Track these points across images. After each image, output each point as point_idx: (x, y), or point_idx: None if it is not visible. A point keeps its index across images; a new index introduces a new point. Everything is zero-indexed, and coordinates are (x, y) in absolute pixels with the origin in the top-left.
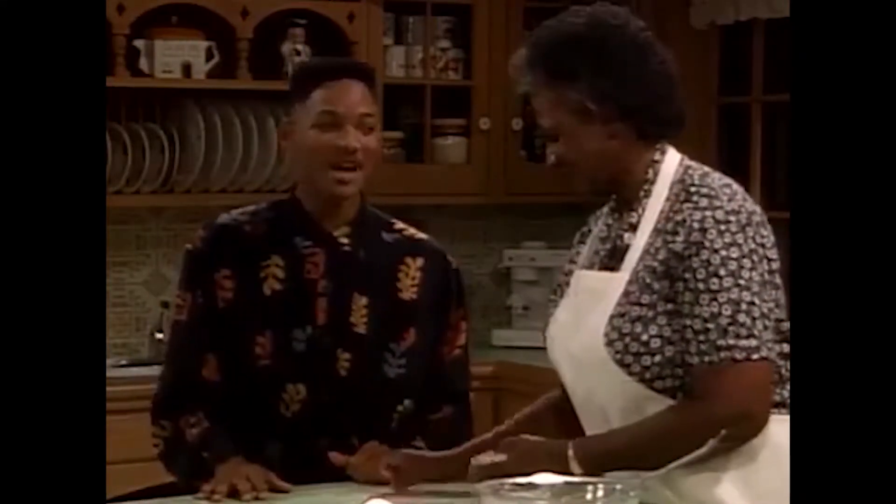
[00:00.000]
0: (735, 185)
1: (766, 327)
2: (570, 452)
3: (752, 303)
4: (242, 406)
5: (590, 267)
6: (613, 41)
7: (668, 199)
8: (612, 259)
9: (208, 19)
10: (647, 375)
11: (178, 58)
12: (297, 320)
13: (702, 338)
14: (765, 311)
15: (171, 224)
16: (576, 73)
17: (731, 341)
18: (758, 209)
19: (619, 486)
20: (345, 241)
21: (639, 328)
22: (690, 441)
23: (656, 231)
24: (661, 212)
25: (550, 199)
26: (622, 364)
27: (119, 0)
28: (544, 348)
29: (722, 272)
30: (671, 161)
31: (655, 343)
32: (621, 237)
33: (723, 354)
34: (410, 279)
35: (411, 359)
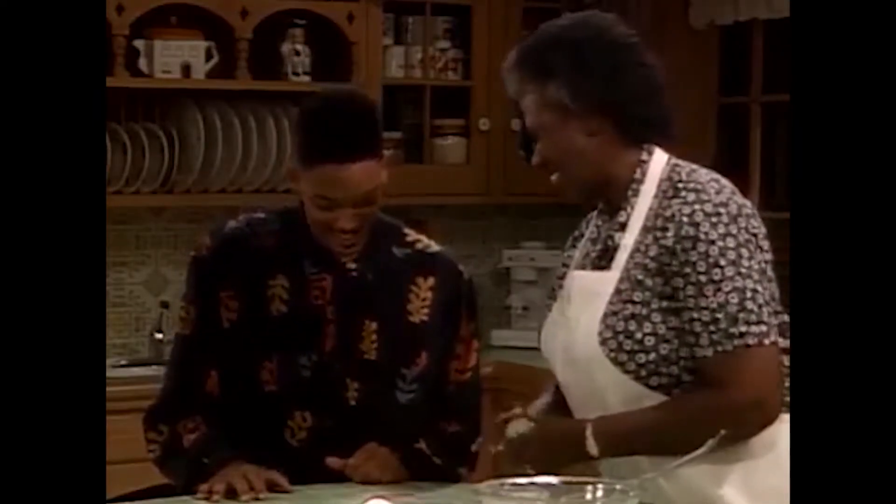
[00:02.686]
0: (723, 180)
1: (770, 313)
2: (589, 431)
3: (756, 290)
4: (246, 430)
5: (582, 268)
6: (591, 40)
7: (655, 196)
8: (602, 259)
9: (208, 19)
10: (643, 373)
11: (177, 58)
12: (303, 346)
13: (712, 328)
14: (767, 298)
15: (170, 224)
16: (553, 71)
17: (743, 328)
18: (748, 203)
19: (618, 486)
20: (353, 266)
21: (633, 326)
22: (709, 429)
23: (646, 229)
24: (650, 209)
25: (550, 199)
26: (617, 362)
27: (118, 0)
28: None
29: (722, 262)
30: (658, 160)
31: (650, 341)
32: (612, 237)
33: (736, 342)
34: (421, 301)
35: (423, 384)
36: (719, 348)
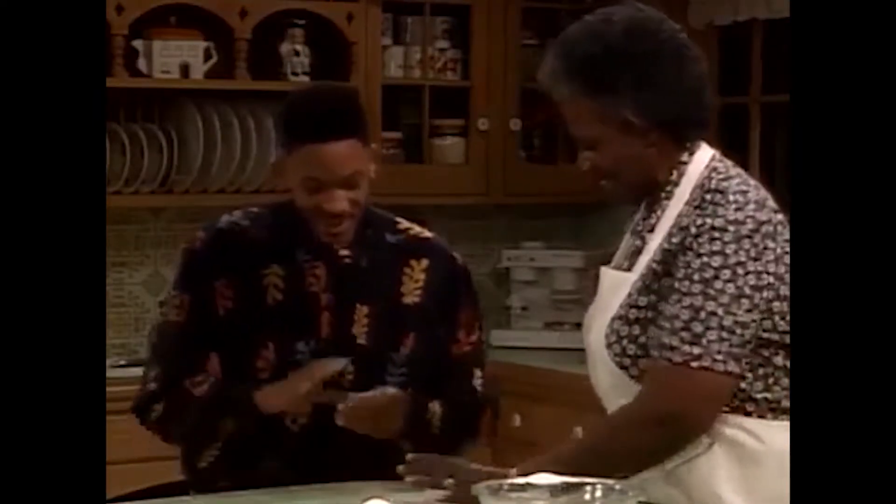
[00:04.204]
0: (751, 193)
1: (722, 339)
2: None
3: (714, 313)
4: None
5: (617, 265)
6: (653, 51)
7: (686, 202)
8: (631, 258)
9: (207, 19)
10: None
11: (176, 58)
12: (300, 333)
13: (655, 333)
14: (727, 324)
15: (169, 224)
16: (617, 86)
17: (676, 343)
18: (774, 218)
19: (617, 487)
20: (346, 252)
21: (636, 330)
22: (628, 435)
23: (668, 234)
24: (679, 215)
25: (549, 199)
26: (621, 366)
27: (118, 0)
28: (543, 349)
29: (695, 277)
30: (699, 162)
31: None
32: (643, 238)
33: (664, 353)
34: (414, 282)
35: (412, 366)
36: (653, 353)
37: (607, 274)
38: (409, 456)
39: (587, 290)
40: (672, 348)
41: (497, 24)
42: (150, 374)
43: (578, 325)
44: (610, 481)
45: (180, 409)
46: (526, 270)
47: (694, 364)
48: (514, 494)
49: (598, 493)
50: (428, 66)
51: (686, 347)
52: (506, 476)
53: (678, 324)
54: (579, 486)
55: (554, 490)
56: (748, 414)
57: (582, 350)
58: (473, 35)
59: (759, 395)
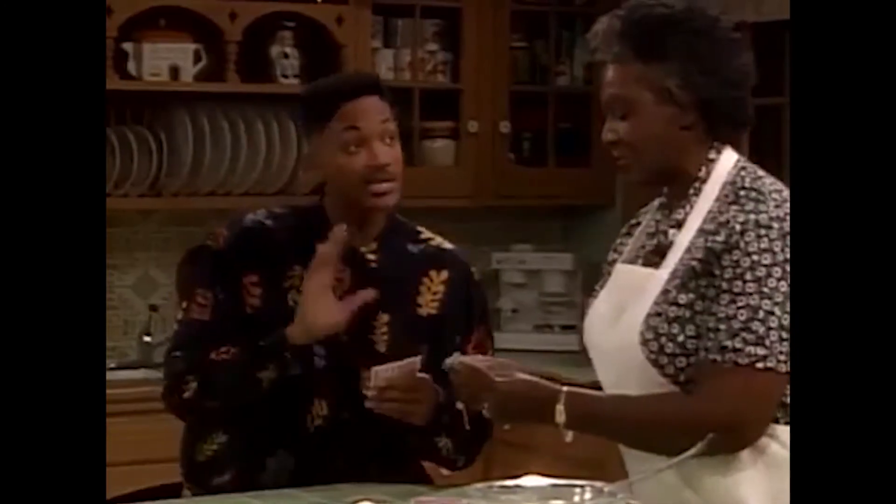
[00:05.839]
0: (785, 192)
1: (782, 339)
2: (560, 406)
3: (771, 312)
4: (265, 412)
5: (633, 261)
6: (708, 31)
7: (717, 199)
8: (654, 255)
9: (196, 22)
10: (682, 378)
11: (166, 61)
12: None
13: (712, 336)
14: (785, 323)
15: (159, 227)
16: (666, 53)
17: (738, 345)
18: None
19: (606, 489)
20: (371, 257)
21: (675, 329)
22: (675, 432)
23: (701, 231)
24: (709, 211)
25: (539, 201)
26: (657, 364)
27: (107, 3)
28: (533, 351)
29: (748, 276)
30: (726, 161)
31: (692, 344)
32: (666, 234)
33: (727, 356)
34: (432, 294)
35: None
36: (711, 356)
37: (625, 270)
38: (451, 361)
39: (577, 292)
40: (735, 350)
41: (487, 26)
42: (175, 360)
43: (568, 328)
44: (599, 483)
45: (216, 374)
46: (516, 273)
47: (759, 365)
48: (503, 497)
49: (588, 496)
50: (418, 68)
51: (750, 349)
52: (558, 394)
53: (736, 325)
54: (568, 489)
55: (542, 492)
56: (777, 420)
57: (572, 352)
58: (463, 38)
59: (790, 400)
